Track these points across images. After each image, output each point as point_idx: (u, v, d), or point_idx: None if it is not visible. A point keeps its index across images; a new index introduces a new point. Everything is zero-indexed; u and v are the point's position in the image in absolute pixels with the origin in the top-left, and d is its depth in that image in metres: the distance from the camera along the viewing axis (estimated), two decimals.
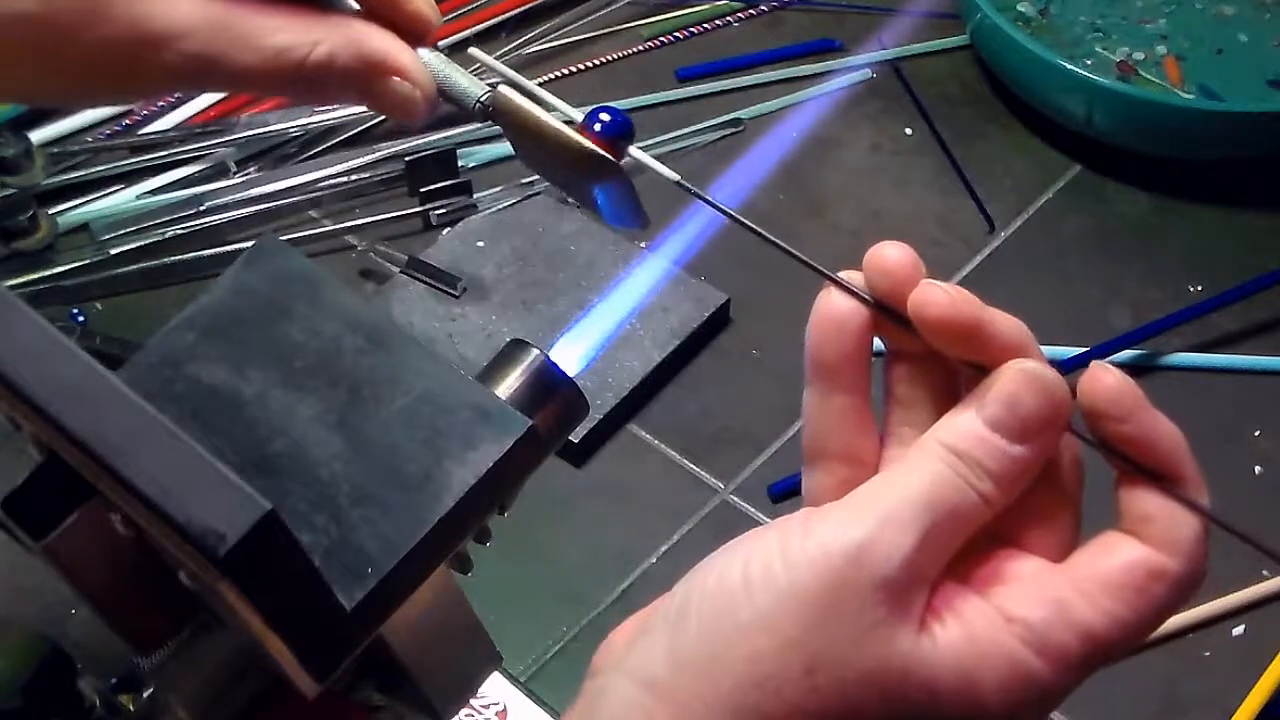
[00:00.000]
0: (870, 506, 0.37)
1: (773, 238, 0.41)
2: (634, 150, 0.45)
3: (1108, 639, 0.37)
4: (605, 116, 0.45)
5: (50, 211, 0.94)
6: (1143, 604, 0.37)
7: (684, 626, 0.38)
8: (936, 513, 0.37)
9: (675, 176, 0.43)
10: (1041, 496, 0.39)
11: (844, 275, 0.40)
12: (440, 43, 1.10)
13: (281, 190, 0.95)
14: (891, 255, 0.39)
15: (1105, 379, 0.37)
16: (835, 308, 0.40)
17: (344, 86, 0.49)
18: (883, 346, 0.41)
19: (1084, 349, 0.84)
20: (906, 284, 0.39)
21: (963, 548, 0.39)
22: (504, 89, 0.48)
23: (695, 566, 0.39)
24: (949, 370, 0.40)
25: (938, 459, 0.37)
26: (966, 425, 0.38)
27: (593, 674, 0.41)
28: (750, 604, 0.37)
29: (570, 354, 0.47)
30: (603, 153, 0.44)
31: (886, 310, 0.39)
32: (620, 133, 0.45)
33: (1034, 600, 0.37)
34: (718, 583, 0.38)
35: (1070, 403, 0.38)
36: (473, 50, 0.51)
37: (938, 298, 0.38)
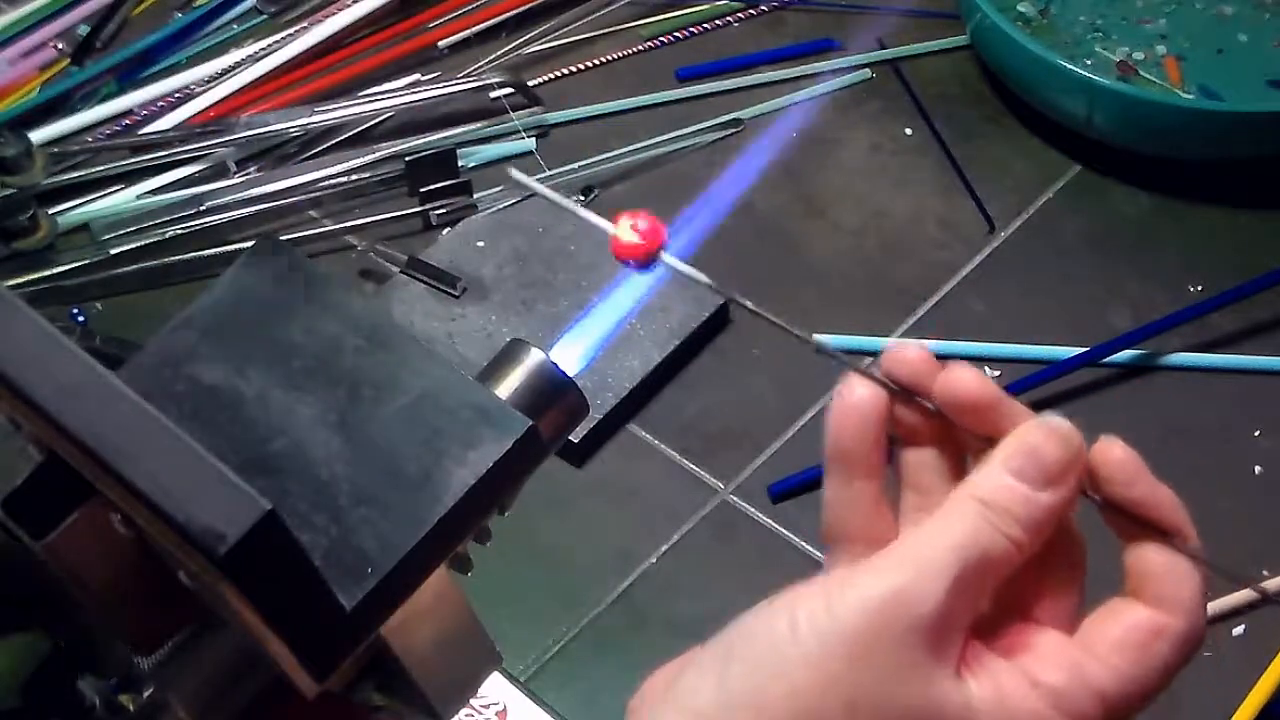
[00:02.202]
0: (906, 555, 0.40)
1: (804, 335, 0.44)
2: (667, 258, 0.47)
3: (1120, 696, 0.40)
4: (644, 224, 0.46)
5: (50, 211, 0.94)
6: (1148, 660, 0.40)
7: (731, 664, 0.40)
8: (968, 558, 0.39)
9: (708, 280, 0.45)
10: (1051, 572, 0.42)
11: (872, 370, 0.43)
12: (440, 42, 1.10)
13: (281, 190, 0.95)
14: (911, 351, 0.43)
15: (1113, 450, 0.41)
16: (859, 394, 0.43)
17: None
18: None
19: (1084, 349, 0.84)
20: (925, 375, 0.42)
21: (986, 618, 0.41)
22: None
23: (742, 614, 0.41)
24: (958, 457, 0.44)
25: (969, 509, 0.40)
26: (993, 476, 0.40)
27: (632, 713, 0.42)
28: (795, 645, 0.39)
29: (570, 354, 0.47)
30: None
31: (908, 394, 0.43)
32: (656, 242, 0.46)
33: (1054, 666, 0.40)
34: (765, 627, 0.40)
35: (1085, 451, 0.41)
36: (512, 173, 0.51)
37: (967, 378, 0.42)
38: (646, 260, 0.47)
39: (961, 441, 0.43)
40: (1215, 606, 0.75)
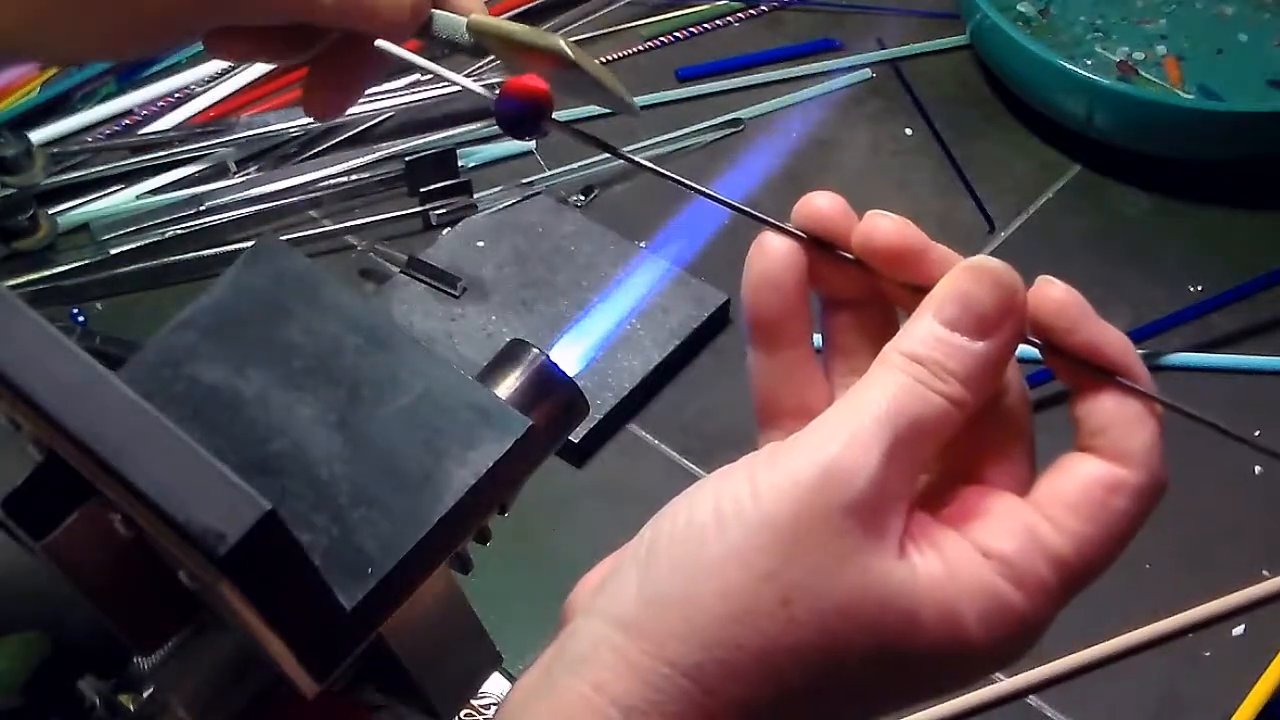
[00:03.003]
0: (833, 428, 0.36)
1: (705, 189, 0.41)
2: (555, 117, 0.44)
3: (1080, 560, 0.37)
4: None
5: (50, 211, 0.94)
6: (1106, 518, 0.37)
7: (655, 565, 0.37)
8: (900, 424, 0.36)
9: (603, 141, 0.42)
10: (997, 432, 0.39)
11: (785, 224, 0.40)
12: None
13: (281, 190, 0.95)
14: (823, 200, 0.39)
15: (1051, 291, 0.38)
16: (773, 252, 0.39)
17: None
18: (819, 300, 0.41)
19: None
20: (842, 225, 0.39)
21: (931, 485, 0.38)
22: (475, 15, 0.50)
23: (663, 508, 0.38)
24: (888, 314, 0.40)
25: (897, 369, 0.37)
26: (923, 330, 0.37)
27: (562, 621, 0.40)
28: (722, 539, 0.36)
29: (570, 354, 0.47)
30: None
31: (826, 246, 0.39)
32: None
33: (1006, 533, 0.37)
34: (687, 521, 0.37)
35: (1023, 290, 0.38)
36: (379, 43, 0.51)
37: (886, 224, 0.38)
38: (529, 114, 0.43)
39: (891, 296, 0.40)
40: (1215, 607, 0.75)
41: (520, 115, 0.42)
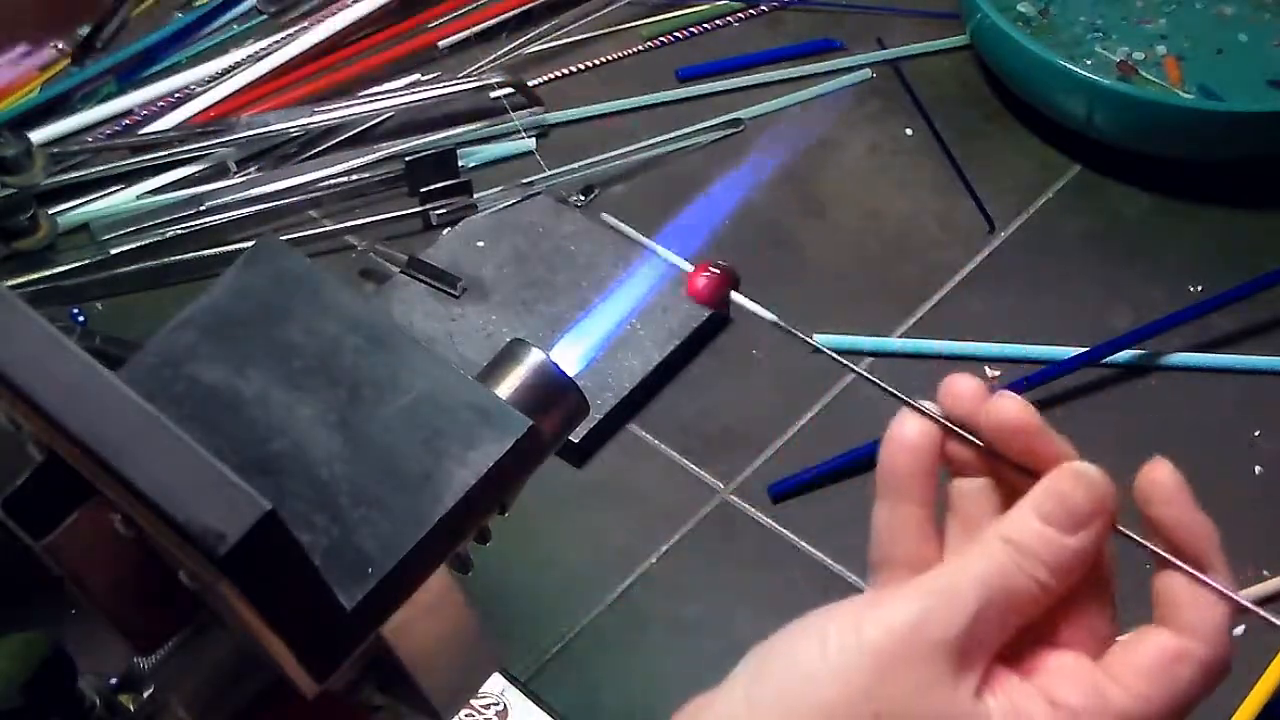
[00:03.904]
0: (935, 584, 0.41)
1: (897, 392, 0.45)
2: (736, 297, 0.49)
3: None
4: (714, 270, 0.49)
5: (50, 211, 0.94)
6: (1171, 685, 0.40)
7: (760, 683, 0.41)
8: (993, 591, 0.40)
9: (773, 318, 0.48)
10: (1079, 597, 0.43)
11: (923, 404, 0.44)
12: (440, 42, 1.10)
13: (281, 190, 0.95)
14: (964, 383, 0.44)
15: (1160, 471, 0.42)
16: (911, 429, 0.44)
17: None
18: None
19: (1084, 349, 0.84)
20: (976, 406, 0.43)
21: (1011, 644, 0.42)
22: None
23: (769, 637, 0.42)
24: (1006, 491, 0.44)
25: (996, 548, 0.41)
26: (1022, 518, 0.42)
27: None
28: (824, 661, 0.40)
29: (570, 354, 0.47)
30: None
31: (956, 430, 0.44)
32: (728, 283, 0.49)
33: (1075, 687, 0.41)
34: (793, 646, 0.41)
35: (1115, 497, 0.42)
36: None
37: (1011, 404, 0.43)
38: (722, 298, 0.49)
39: (1006, 477, 0.44)
40: None
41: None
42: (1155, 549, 0.42)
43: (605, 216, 0.52)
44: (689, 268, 0.49)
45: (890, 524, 0.45)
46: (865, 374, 0.43)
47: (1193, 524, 0.42)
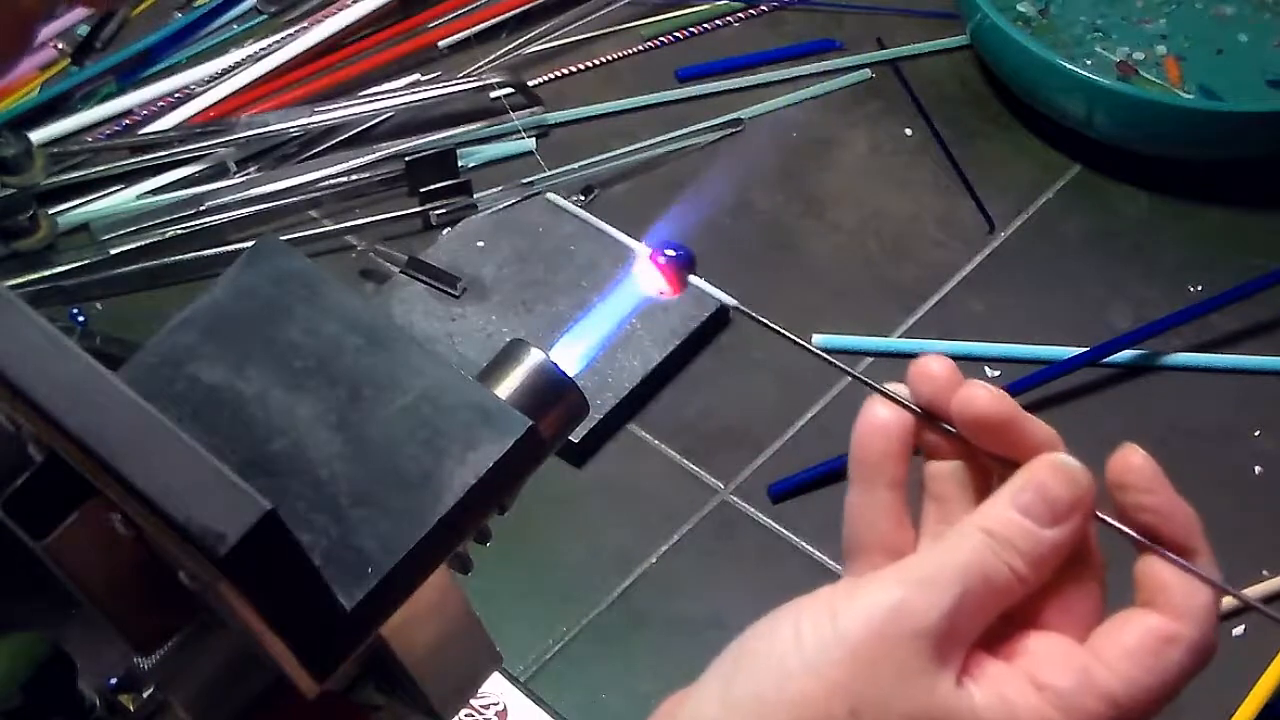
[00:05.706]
0: (912, 571, 0.40)
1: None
2: (694, 279, 0.49)
3: (1130, 702, 0.40)
4: (670, 251, 0.48)
5: (50, 211, 0.94)
6: (1159, 667, 0.40)
7: (736, 676, 0.40)
8: (972, 580, 0.40)
9: (733, 303, 0.49)
10: (1065, 582, 0.42)
11: (890, 387, 0.44)
12: (440, 42, 1.10)
13: (281, 190, 0.95)
14: (935, 366, 0.43)
15: (1134, 457, 0.41)
16: (881, 415, 0.44)
17: None
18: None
19: (1084, 349, 0.84)
20: (948, 391, 0.43)
21: (991, 630, 0.41)
22: None
23: (745, 630, 0.41)
24: (982, 473, 0.44)
25: (975, 537, 0.41)
26: (1001, 510, 0.41)
27: None
28: (799, 654, 0.39)
29: (570, 354, 0.47)
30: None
31: (929, 417, 0.43)
32: (684, 264, 0.49)
33: (1061, 669, 0.40)
34: (768, 638, 0.40)
35: (1094, 490, 0.41)
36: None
37: (982, 395, 0.42)
38: (678, 280, 0.49)
39: (984, 462, 0.44)
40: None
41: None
42: (1141, 539, 0.41)
43: (551, 196, 0.51)
44: (644, 251, 0.48)
45: (863, 509, 0.44)
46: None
47: (1174, 510, 0.41)
